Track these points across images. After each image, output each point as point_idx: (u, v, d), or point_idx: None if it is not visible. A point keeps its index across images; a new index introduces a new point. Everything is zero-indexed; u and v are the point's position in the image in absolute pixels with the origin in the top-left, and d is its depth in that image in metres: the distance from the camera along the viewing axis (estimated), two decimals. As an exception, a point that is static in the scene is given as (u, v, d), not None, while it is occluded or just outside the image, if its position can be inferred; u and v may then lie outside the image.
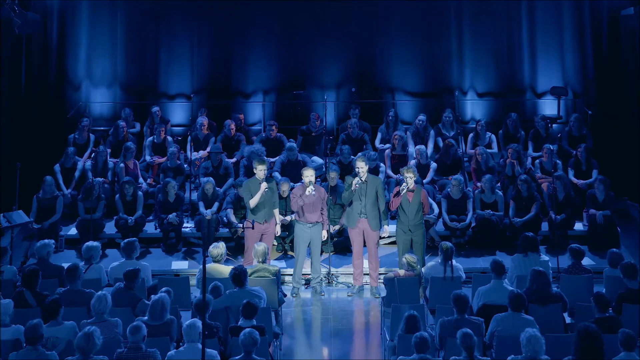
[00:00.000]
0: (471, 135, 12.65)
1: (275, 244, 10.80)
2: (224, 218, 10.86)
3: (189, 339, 6.59)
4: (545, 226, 10.98)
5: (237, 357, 6.53)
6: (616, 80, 13.28)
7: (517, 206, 10.93)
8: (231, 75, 14.02)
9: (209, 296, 7.35)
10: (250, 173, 11.02)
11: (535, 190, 11.07)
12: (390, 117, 12.83)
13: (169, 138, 12.62)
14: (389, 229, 10.14)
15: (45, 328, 6.66)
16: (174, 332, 7.07)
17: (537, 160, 12.03)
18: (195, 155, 12.16)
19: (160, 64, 13.93)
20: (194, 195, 11.40)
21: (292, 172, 11.39)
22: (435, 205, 11.00)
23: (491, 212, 10.85)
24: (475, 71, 13.92)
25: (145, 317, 7.02)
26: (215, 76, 14.01)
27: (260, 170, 9.77)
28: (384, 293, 8.98)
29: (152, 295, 7.41)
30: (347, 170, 11.31)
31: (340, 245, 10.86)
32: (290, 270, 10.11)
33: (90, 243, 8.82)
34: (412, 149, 12.29)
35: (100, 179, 11.54)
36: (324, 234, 9.98)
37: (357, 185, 9.57)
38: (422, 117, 12.78)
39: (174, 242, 11.01)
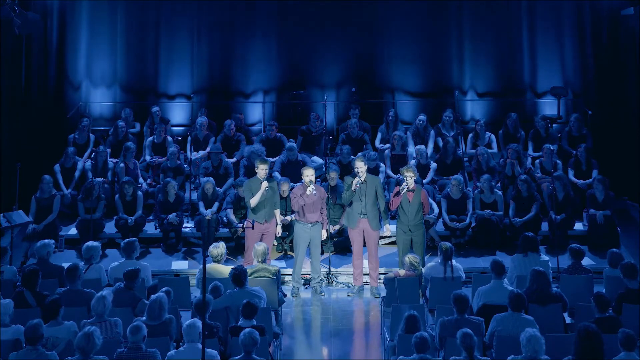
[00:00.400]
0: (470, 135, 12.65)
1: (275, 244, 10.80)
2: (224, 218, 10.86)
3: (189, 339, 6.59)
4: (545, 226, 10.98)
5: (237, 357, 6.53)
6: (616, 80, 13.29)
7: (517, 206, 10.93)
8: (231, 75, 14.02)
9: (209, 296, 7.35)
10: (250, 173, 11.03)
11: (535, 190, 11.07)
12: (390, 117, 12.83)
13: (169, 138, 12.62)
14: (391, 228, 10.12)
15: (45, 328, 6.66)
16: (173, 331, 7.07)
17: (537, 160, 12.03)
18: (195, 155, 12.16)
19: (160, 64, 13.92)
20: (194, 195, 11.40)
21: (292, 172, 11.39)
22: (435, 205, 11.00)
23: (491, 212, 10.85)
24: (475, 71, 13.92)
25: (144, 318, 7.02)
26: (215, 76, 14.02)
27: (262, 170, 9.77)
28: (384, 293, 8.98)
29: (152, 295, 7.41)
30: (347, 170, 11.31)
31: (340, 245, 10.86)
32: (290, 270, 10.11)
33: (90, 243, 8.82)
34: (412, 149, 12.29)
35: (100, 179, 11.53)
36: (324, 234, 9.99)
37: (357, 185, 9.57)
38: (422, 117, 12.78)
39: (174, 242, 11.01)
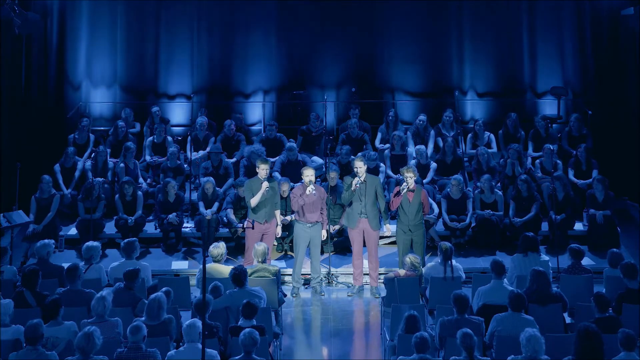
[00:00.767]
0: (470, 135, 12.65)
1: (275, 244, 10.80)
2: (224, 218, 10.86)
3: (189, 339, 6.59)
4: (545, 226, 10.98)
5: (237, 357, 6.53)
6: (616, 80, 13.29)
7: (517, 206, 10.93)
8: (231, 75, 14.02)
9: (209, 296, 7.35)
10: (250, 173, 11.03)
11: (535, 190, 11.07)
12: (390, 117, 12.83)
13: (169, 138, 12.62)
14: (391, 228, 10.12)
15: (45, 328, 6.66)
16: (173, 331, 7.07)
17: (537, 160, 12.03)
18: (195, 155, 12.16)
19: (160, 64, 13.92)
20: (194, 195, 11.40)
21: (292, 172, 11.39)
22: (435, 205, 11.00)
23: (491, 212, 10.85)
24: (475, 71, 13.93)
25: (143, 318, 7.02)
26: (215, 76, 14.02)
27: (263, 170, 9.76)
28: (384, 293, 8.98)
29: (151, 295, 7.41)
30: (347, 170, 11.31)
31: (340, 245, 10.86)
32: (290, 270, 10.11)
33: (90, 243, 8.82)
34: (412, 149, 12.29)
35: (100, 179, 11.53)
36: (323, 233, 9.99)
37: (357, 185, 9.58)
38: (422, 117, 12.78)
39: (174, 242, 11.01)
